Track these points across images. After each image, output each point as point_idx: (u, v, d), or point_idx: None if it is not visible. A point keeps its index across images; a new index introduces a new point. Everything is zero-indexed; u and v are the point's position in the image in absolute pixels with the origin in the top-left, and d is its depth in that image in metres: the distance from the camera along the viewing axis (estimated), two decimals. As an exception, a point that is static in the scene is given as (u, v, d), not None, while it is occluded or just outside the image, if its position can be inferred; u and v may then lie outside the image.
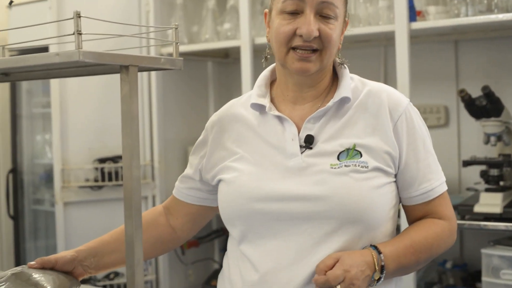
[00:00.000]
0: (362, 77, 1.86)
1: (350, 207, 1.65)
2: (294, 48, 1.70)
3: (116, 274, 4.03)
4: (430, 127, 1.91)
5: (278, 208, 1.69)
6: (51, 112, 4.00)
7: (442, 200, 1.80)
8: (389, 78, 3.86)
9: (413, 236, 1.75)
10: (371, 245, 1.68)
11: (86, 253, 1.87)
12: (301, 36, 1.68)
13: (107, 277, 4.01)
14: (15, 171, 4.68)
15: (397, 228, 1.98)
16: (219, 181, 1.84)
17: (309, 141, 1.74)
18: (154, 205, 4.20)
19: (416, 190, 1.77)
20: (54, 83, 3.95)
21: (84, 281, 3.71)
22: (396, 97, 1.78)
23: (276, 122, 1.79)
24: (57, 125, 3.94)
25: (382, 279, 1.66)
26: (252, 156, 1.79)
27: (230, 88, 4.61)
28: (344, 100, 1.75)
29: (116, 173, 3.98)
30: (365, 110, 1.75)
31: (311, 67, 1.71)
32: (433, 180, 1.77)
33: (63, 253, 1.84)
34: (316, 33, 1.67)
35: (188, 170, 1.98)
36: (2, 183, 4.68)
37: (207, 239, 4.35)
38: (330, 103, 1.74)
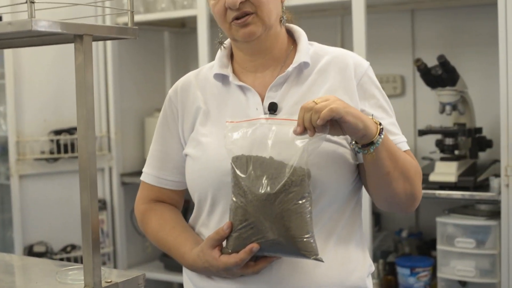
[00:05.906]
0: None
1: None
2: (234, 20, 1.70)
3: (73, 247, 4.01)
4: (386, 96, 1.92)
5: None
6: (5, 83, 3.93)
7: (409, 155, 1.75)
8: (346, 47, 3.85)
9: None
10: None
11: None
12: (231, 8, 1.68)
13: (64, 250, 3.98)
14: (-32, 143, 4.61)
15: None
16: (186, 155, 1.82)
17: (273, 108, 1.72)
18: (110, 177, 4.17)
19: None
20: (8, 53, 3.87)
21: (40, 255, 3.70)
22: (359, 58, 1.80)
23: (239, 92, 1.77)
24: (12, 97, 3.87)
25: (377, 145, 1.57)
26: (216, 128, 1.76)
27: (187, 58, 4.58)
28: (304, 65, 1.74)
29: (72, 145, 3.94)
30: (329, 74, 1.74)
31: (254, 29, 1.70)
32: (400, 136, 1.74)
33: None
34: None
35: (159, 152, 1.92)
36: (-45, 155, 4.61)
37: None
38: (290, 69, 1.73)
